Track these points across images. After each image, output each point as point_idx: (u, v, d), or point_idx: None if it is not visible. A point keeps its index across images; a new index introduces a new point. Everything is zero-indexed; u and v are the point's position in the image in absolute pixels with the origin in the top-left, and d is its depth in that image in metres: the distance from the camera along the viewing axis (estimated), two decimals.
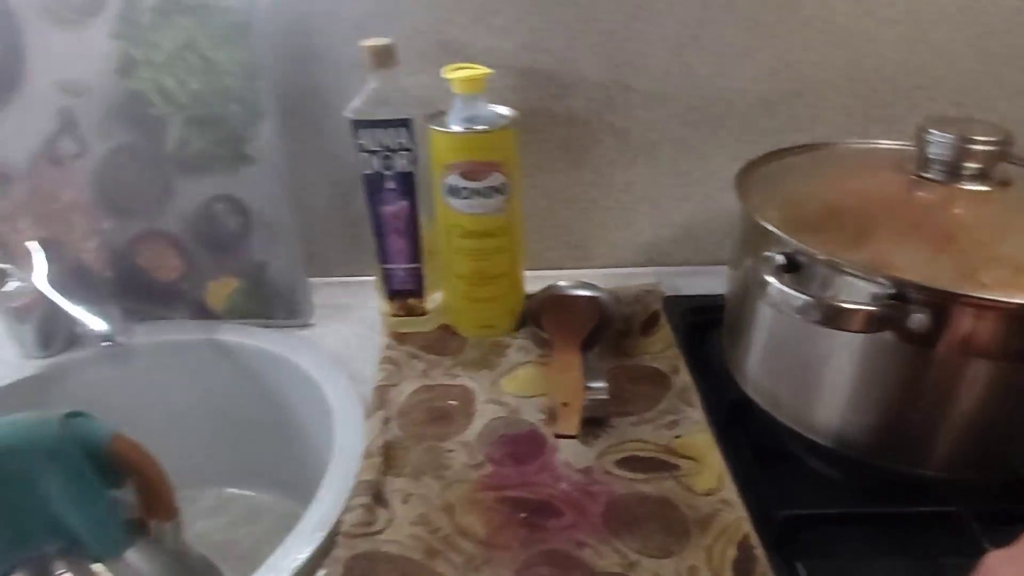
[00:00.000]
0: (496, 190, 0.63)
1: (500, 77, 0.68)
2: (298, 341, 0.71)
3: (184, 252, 0.71)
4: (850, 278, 0.43)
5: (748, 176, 0.56)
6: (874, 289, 0.42)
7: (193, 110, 0.65)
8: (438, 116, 0.63)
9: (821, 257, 0.43)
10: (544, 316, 0.69)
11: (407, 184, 0.64)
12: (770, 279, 0.42)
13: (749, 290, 0.52)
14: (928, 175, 0.50)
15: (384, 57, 0.60)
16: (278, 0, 0.65)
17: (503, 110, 0.64)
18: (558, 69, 0.68)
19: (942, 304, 0.39)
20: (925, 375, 0.43)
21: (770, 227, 0.46)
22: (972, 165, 0.48)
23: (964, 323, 0.39)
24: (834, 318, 0.39)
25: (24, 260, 0.65)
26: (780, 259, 0.44)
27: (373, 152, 0.62)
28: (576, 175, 0.74)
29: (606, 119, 0.71)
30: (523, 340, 0.70)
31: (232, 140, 0.66)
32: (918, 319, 0.39)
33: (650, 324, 0.71)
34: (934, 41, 0.67)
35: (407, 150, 0.62)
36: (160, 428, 0.55)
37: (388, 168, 0.63)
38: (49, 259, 0.66)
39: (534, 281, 0.76)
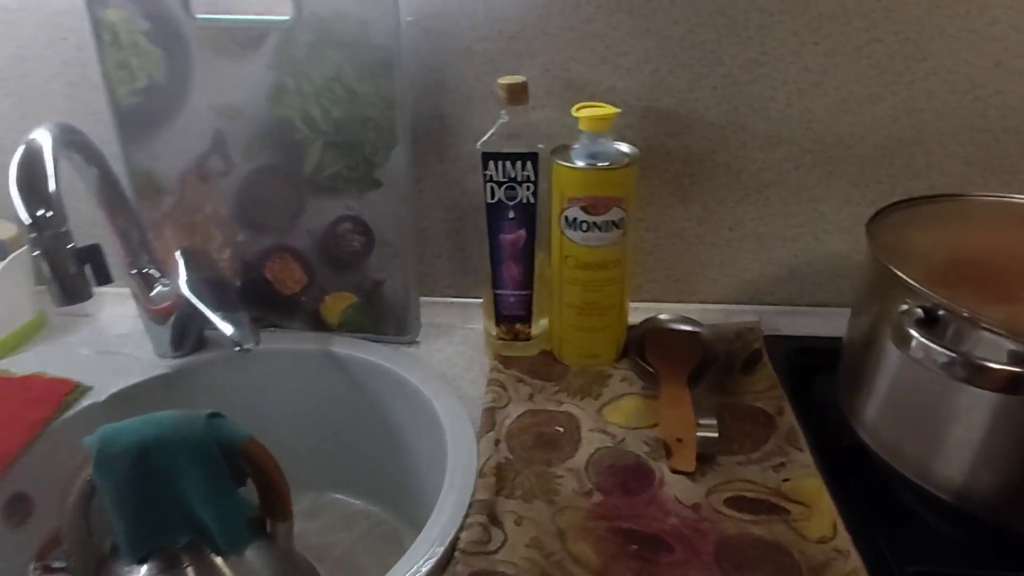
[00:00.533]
0: (614, 224, 0.65)
1: (622, 115, 0.70)
2: (407, 357, 0.74)
3: (308, 267, 0.75)
4: (989, 335, 0.43)
5: (878, 224, 0.56)
6: (1014, 348, 0.42)
7: (332, 137, 0.69)
8: (562, 150, 0.65)
9: (964, 314, 0.43)
10: (648, 349, 0.71)
11: (528, 215, 0.67)
12: (914, 333, 0.43)
13: (877, 337, 0.53)
14: None
15: (518, 94, 0.63)
16: (419, 37, 0.69)
17: (625, 147, 0.66)
18: (678, 109, 0.70)
19: None
20: None
21: (908, 279, 0.46)
22: None
23: None
24: (977, 376, 0.40)
25: (169, 267, 0.70)
26: (919, 312, 0.45)
27: (499, 183, 0.65)
28: (684, 210, 0.75)
29: (720, 158, 0.72)
30: (625, 371, 0.71)
31: (364, 165, 0.70)
32: None
33: (752, 362, 0.72)
34: None
35: (531, 182, 0.65)
36: (272, 430, 0.58)
37: (511, 199, 0.66)
38: (189, 267, 0.72)
39: (634, 313, 0.78)
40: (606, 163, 0.63)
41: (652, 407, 0.65)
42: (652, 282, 0.80)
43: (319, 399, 0.77)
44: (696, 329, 0.74)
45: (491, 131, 0.64)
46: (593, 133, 0.63)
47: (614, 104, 0.66)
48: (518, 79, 0.63)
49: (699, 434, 0.59)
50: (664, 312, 0.77)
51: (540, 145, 0.64)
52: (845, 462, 0.57)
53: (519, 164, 0.64)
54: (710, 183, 0.73)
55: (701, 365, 0.69)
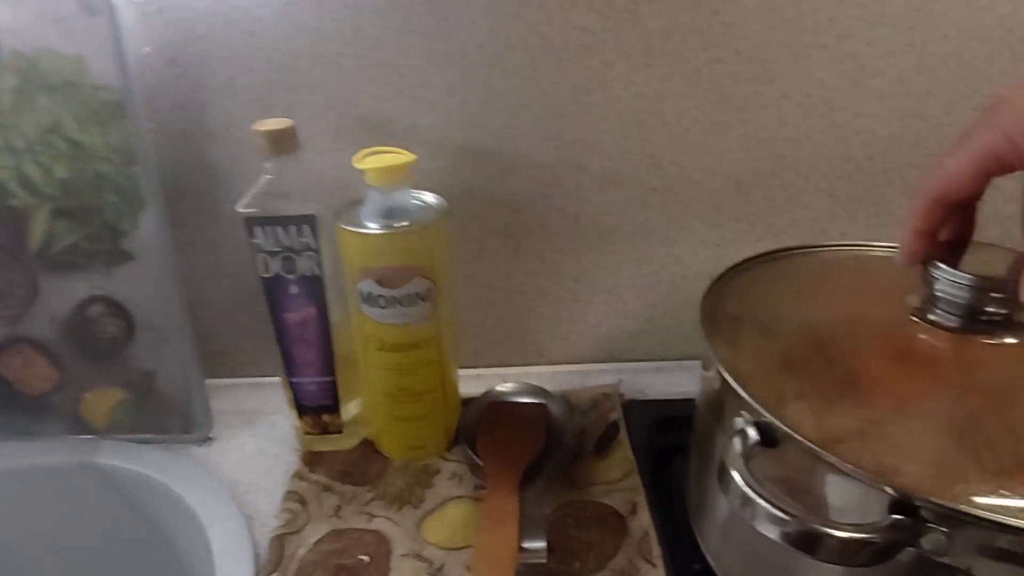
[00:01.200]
0: (419, 297, 0.52)
1: (429, 157, 0.58)
2: (189, 463, 0.59)
3: (57, 361, 0.60)
4: (843, 480, 0.33)
5: (715, 298, 0.46)
6: (875, 501, 0.31)
7: (61, 201, 0.54)
8: (350, 210, 0.53)
9: (808, 444, 0.33)
10: (480, 436, 0.59)
11: (314, 289, 0.54)
12: (734, 473, 0.32)
13: (713, 453, 0.42)
14: (935, 318, 0.40)
15: (281, 142, 0.50)
16: (164, 71, 0.55)
17: (430, 199, 0.54)
18: (498, 147, 0.58)
19: (966, 523, 0.29)
20: None
21: (742, 392, 0.35)
22: (992, 310, 0.38)
23: (996, 547, 0.30)
24: (819, 548, 0.29)
25: None
26: (752, 433, 0.34)
27: (272, 253, 0.52)
28: (520, 263, 0.64)
29: (554, 202, 0.61)
30: (456, 464, 0.59)
31: (108, 234, 0.55)
32: (934, 540, 0.29)
33: (606, 440, 0.61)
34: (929, 115, 0.58)
35: (312, 251, 0.52)
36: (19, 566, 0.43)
37: (290, 271, 0.53)
38: None
39: (474, 381, 0.66)
40: (403, 223, 0.51)
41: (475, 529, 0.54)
42: (493, 344, 0.68)
43: (83, 522, 0.62)
44: (541, 401, 0.63)
45: (253, 190, 0.51)
46: (383, 188, 0.51)
47: (418, 145, 0.54)
48: (279, 124, 0.50)
49: (523, 562, 0.47)
50: (509, 380, 0.66)
51: (319, 205, 0.51)
52: None
53: (293, 229, 0.51)
54: (546, 231, 0.62)
55: (546, 448, 0.58)
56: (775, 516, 0.30)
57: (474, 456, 0.57)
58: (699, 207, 0.62)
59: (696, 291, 0.65)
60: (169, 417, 0.62)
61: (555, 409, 0.63)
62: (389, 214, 0.51)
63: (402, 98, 0.56)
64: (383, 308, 0.52)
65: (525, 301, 0.66)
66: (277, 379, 0.67)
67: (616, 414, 0.63)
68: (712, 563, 0.45)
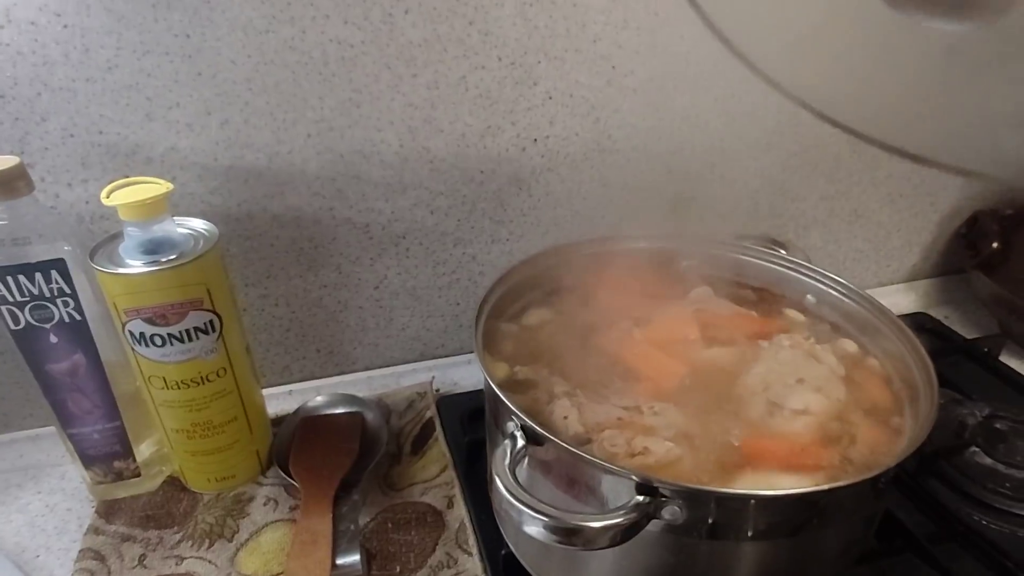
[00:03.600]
0: (200, 331, 0.51)
1: (195, 180, 0.55)
2: None
3: None
4: (595, 470, 0.36)
5: (489, 304, 0.48)
6: (625, 485, 0.35)
7: None
8: (110, 245, 0.49)
9: (559, 443, 0.36)
10: (293, 456, 0.58)
11: (77, 334, 0.50)
12: (498, 480, 0.34)
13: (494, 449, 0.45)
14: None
15: (10, 183, 0.45)
16: None
17: (199, 225, 0.51)
18: (270, 165, 0.57)
19: (697, 498, 0.34)
20: (687, 561, 0.37)
21: (504, 398, 0.38)
22: None
23: (726, 513, 0.34)
24: (576, 539, 0.33)
25: None
26: (520, 437, 0.37)
27: (20, 304, 0.48)
28: (316, 277, 0.63)
29: (340, 214, 0.61)
30: (271, 487, 0.58)
31: None
32: (672, 511, 0.34)
33: (422, 439, 0.63)
34: (679, 107, 0.64)
35: (67, 295, 0.48)
36: None
37: (45, 320, 0.49)
38: None
39: (288, 399, 0.65)
40: (170, 257, 0.48)
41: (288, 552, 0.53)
42: (302, 359, 0.67)
43: None
44: (354, 410, 0.64)
45: None
46: (141, 221, 0.48)
47: (181, 169, 0.52)
48: (4, 163, 0.45)
49: None
50: (324, 392, 0.65)
51: (64, 247, 0.47)
52: (505, 568, 0.50)
53: (39, 277, 0.47)
54: (336, 243, 0.62)
55: (362, 457, 0.59)
56: (534, 518, 0.33)
57: (287, 477, 0.57)
58: (485, 206, 0.64)
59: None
60: None
61: (370, 415, 0.63)
62: (152, 248, 0.49)
63: (153, 121, 0.53)
64: (160, 347, 0.50)
65: (327, 314, 0.65)
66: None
67: (430, 411, 0.65)
68: (512, 549, 0.48)
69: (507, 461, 0.36)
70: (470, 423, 0.64)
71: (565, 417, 0.39)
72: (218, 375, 0.53)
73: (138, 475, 0.57)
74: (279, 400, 0.66)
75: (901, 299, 0.83)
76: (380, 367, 0.70)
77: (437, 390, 0.68)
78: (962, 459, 0.54)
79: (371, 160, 0.59)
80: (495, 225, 0.65)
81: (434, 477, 0.59)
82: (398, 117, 0.58)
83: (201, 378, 0.52)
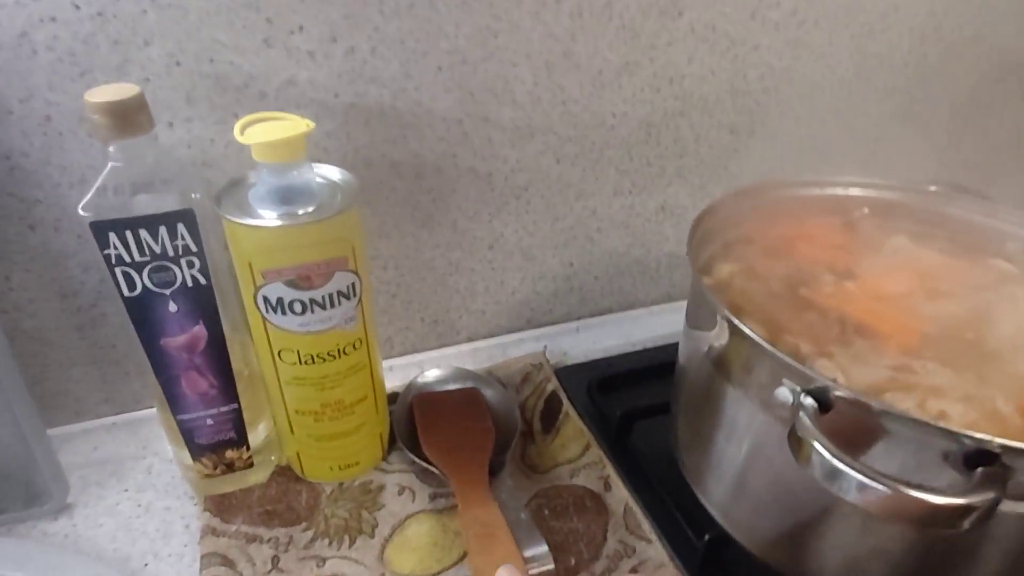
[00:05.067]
0: (343, 295, 0.43)
1: (315, 120, 0.47)
2: (46, 550, 0.46)
3: None
4: (911, 433, 0.31)
5: (699, 250, 0.42)
6: (954, 447, 0.30)
7: None
8: (234, 194, 0.41)
9: (879, 407, 0.30)
10: (425, 439, 0.52)
11: (201, 301, 0.42)
12: (818, 446, 0.29)
13: (736, 413, 0.39)
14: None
15: (127, 116, 0.37)
16: None
17: (334, 174, 0.44)
18: (395, 104, 0.49)
19: None
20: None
21: (791, 361, 0.32)
22: None
23: None
24: (935, 520, 0.28)
25: None
26: (810, 402, 0.31)
27: (137, 266, 0.39)
28: (430, 236, 0.56)
29: (463, 162, 0.54)
30: (400, 474, 0.52)
31: None
32: (1019, 484, 0.29)
33: (551, 415, 0.57)
34: (814, 44, 0.59)
35: (193, 255, 0.40)
36: None
37: (166, 284, 0.41)
38: None
39: (389, 375, 0.59)
40: (310, 209, 0.41)
41: (452, 527, 0.47)
42: (405, 330, 0.60)
43: None
44: (473, 386, 0.57)
45: (98, 183, 0.38)
46: (279, 164, 0.40)
47: (297, 107, 0.44)
48: (123, 92, 0.37)
49: (533, 573, 0.42)
50: (429, 366, 0.58)
51: (192, 192, 0.39)
52: (708, 552, 0.45)
53: (163, 232, 0.39)
54: (456, 196, 0.55)
55: (498, 442, 0.52)
56: (870, 487, 0.28)
57: (422, 462, 0.50)
58: (612, 154, 0.58)
59: (612, 241, 0.63)
60: (7, 494, 0.47)
61: (490, 391, 0.57)
62: (288, 198, 0.41)
63: (272, 48, 0.44)
64: (300, 315, 0.43)
65: (437, 277, 0.58)
66: (136, 414, 0.54)
67: (552, 384, 0.59)
68: (726, 526, 0.43)
69: (813, 423, 0.30)
70: (600, 394, 0.58)
71: (833, 380, 0.34)
72: (354, 347, 0.46)
73: (251, 465, 0.50)
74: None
75: None
76: (485, 337, 0.64)
77: (548, 361, 0.62)
78: None
79: (502, 99, 0.52)
80: (619, 175, 0.59)
81: (578, 456, 0.53)
82: (536, 49, 0.51)
83: (339, 351, 0.45)
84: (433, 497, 0.50)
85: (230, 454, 0.48)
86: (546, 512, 0.49)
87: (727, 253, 0.47)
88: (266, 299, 0.42)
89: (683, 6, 0.53)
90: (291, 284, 0.41)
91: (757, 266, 0.45)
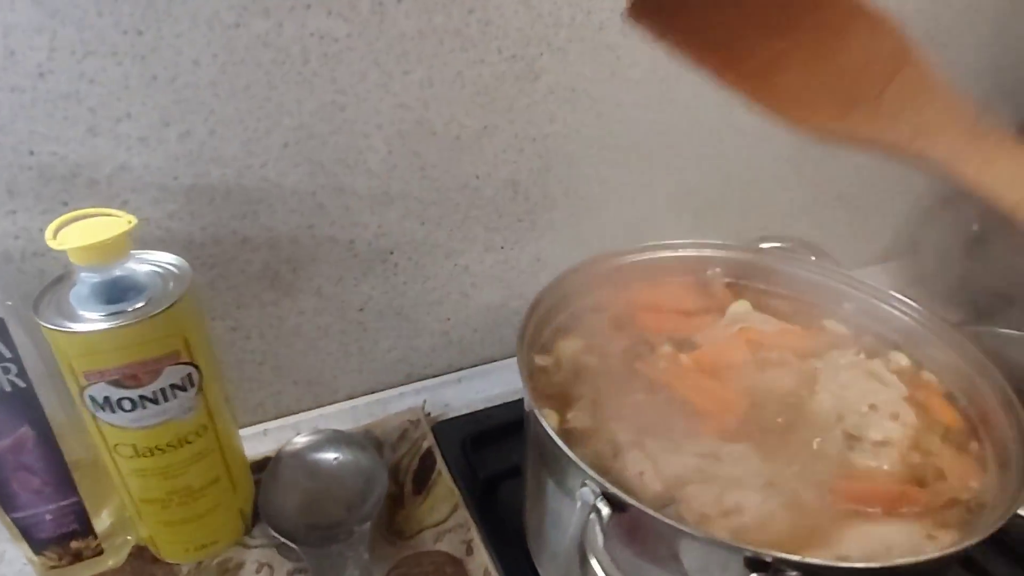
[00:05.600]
0: (177, 388, 0.42)
1: (151, 204, 0.46)
2: None
3: None
4: (697, 544, 0.32)
5: (527, 336, 0.43)
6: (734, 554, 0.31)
7: None
8: (54, 296, 0.40)
9: (665, 521, 0.31)
10: (284, 509, 0.51)
11: (22, 404, 0.41)
12: (595, 564, 0.30)
13: (558, 513, 0.40)
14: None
15: None
16: None
17: (165, 260, 0.43)
18: (240, 181, 0.48)
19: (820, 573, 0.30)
20: None
21: (587, 469, 0.33)
22: None
23: None
24: None
25: None
26: (604, 509, 0.32)
27: None
28: (293, 304, 0.55)
29: (321, 232, 0.53)
30: (260, 549, 0.51)
31: None
32: None
33: (424, 474, 0.57)
34: (679, 98, 0.60)
35: (9, 361, 0.39)
36: None
37: None
38: None
39: (261, 440, 0.58)
40: (138, 305, 0.40)
41: None
42: (278, 394, 0.60)
43: None
44: (344, 448, 0.57)
45: None
46: (101, 266, 0.39)
47: (134, 192, 0.43)
48: None
49: None
50: (306, 427, 0.58)
51: (8, 302, 0.38)
52: None
53: None
54: (317, 264, 0.54)
55: (361, 503, 0.52)
56: None
57: (280, 536, 0.50)
58: (478, 214, 0.58)
59: (488, 296, 0.63)
60: None
61: (362, 453, 0.57)
62: (114, 295, 0.40)
63: (98, 137, 0.43)
64: (130, 412, 0.42)
65: (305, 343, 0.58)
66: None
67: (427, 441, 0.59)
68: None
69: (601, 541, 0.31)
70: (474, 451, 0.58)
71: (641, 473, 0.34)
72: (198, 434, 0.45)
73: (100, 552, 0.49)
74: (253, 442, 0.58)
75: (876, 281, 0.83)
76: (364, 394, 0.63)
77: (428, 414, 0.62)
78: None
79: (356, 170, 0.51)
80: (489, 233, 0.60)
81: (445, 519, 0.54)
82: (387, 120, 0.50)
83: (179, 441, 0.44)
84: (291, 573, 0.50)
85: (76, 544, 0.47)
86: None
87: (574, 325, 0.47)
88: (92, 398, 0.41)
89: (539, 70, 0.53)
90: (116, 384, 0.40)
91: (601, 338, 0.46)
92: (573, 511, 0.36)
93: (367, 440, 0.58)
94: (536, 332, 0.44)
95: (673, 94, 0.59)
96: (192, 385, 0.43)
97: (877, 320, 0.48)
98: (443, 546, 0.52)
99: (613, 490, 0.32)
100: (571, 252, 0.63)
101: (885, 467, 0.37)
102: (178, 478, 0.46)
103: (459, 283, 0.61)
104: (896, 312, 0.47)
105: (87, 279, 0.40)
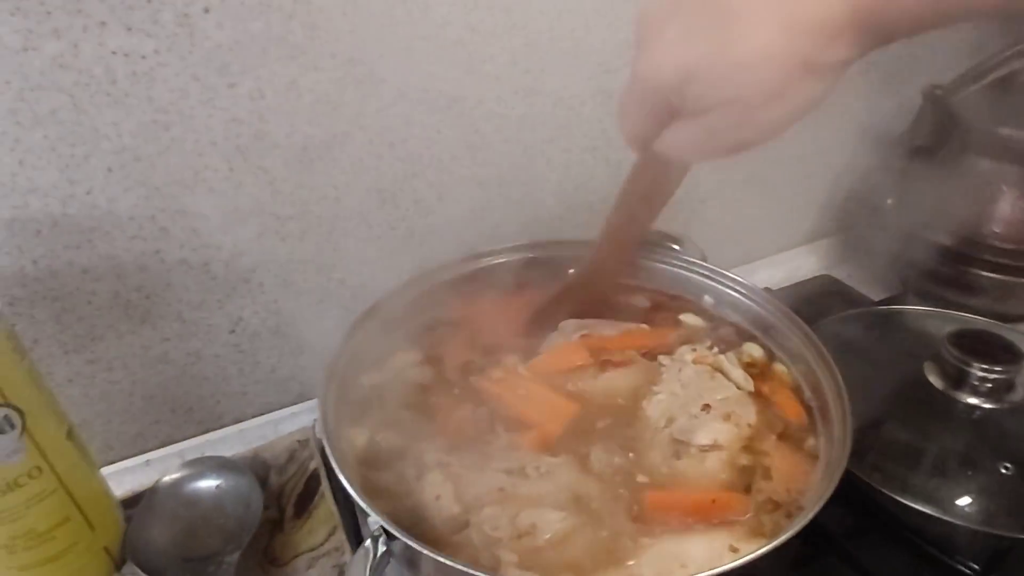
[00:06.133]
0: None
1: None
2: None
3: None
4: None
5: (343, 360, 0.41)
6: None
7: None
8: None
9: (429, 554, 0.29)
10: (149, 545, 0.50)
11: None
12: None
13: None
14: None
15: None
16: None
17: None
18: (65, 211, 0.46)
19: None
20: None
21: (365, 507, 0.31)
22: None
23: None
24: None
25: None
26: (381, 541, 0.30)
27: None
28: (154, 331, 0.54)
29: (170, 256, 0.51)
30: None
31: None
32: None
33: (307, 497, 0.55)
34: (548, 90, 0.58)
35: None
36: None
37: None
38: None
39: (144, 471, 0.56)
40: None
41: None
42: (155, 424, 0.58)
43: None
44: (222, 476, 0.55)
45: None
46: None
47: None
48: None
49: None
50: (192, 453, 0.57)
51: None
52: None
53: None
54: (173, 289, 0.53)
55: (238, 532, 0.51)
56: None
57: (145, 575, 0.48)
58: (347, 226, 0.56)
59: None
60: None
61: (241, 479, 0.55)
62: None
63: None
64: None
65: (176, 369, 0.56)
66: None
67: (315, 462, 0.57)
68: None
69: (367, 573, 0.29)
70: (360, 465, 0.56)
71: (437, 497, 0.32)
72: (31, 476, 0.43)
73: None
74: (135, 474, 0.57)
75: (803, 261, 0.80)
76: (254, 416, 0.62)
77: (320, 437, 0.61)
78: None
79: (196, 190, 0.50)
80: (362, 244, 0.57)
81: (322, 543, 0.52)
82: (220, 136, 0.48)
83: (7, 485, 0.43)
84: None
85: None
86: None
87: (413, 339, 0.45)
88: None
89: (383, 73, 0.51)
90: None
91: (443, 352, 0.44)
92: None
93: (254, 464, 0.56)
94: (367, 347, 0.42)
95: (541, 86, 0.57)
96: (12, 427, 0.42)
97: (737, 311, 0.45)
98: (315, 572, 0.50)
99: (391, 529, 0.30)
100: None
101: (707, 473, 0.34)
102: (17, 522, 0.44)
103: (338, 296, 0.59)
104: (753, 304, 0.44)
105: None
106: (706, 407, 0.37)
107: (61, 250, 0.48)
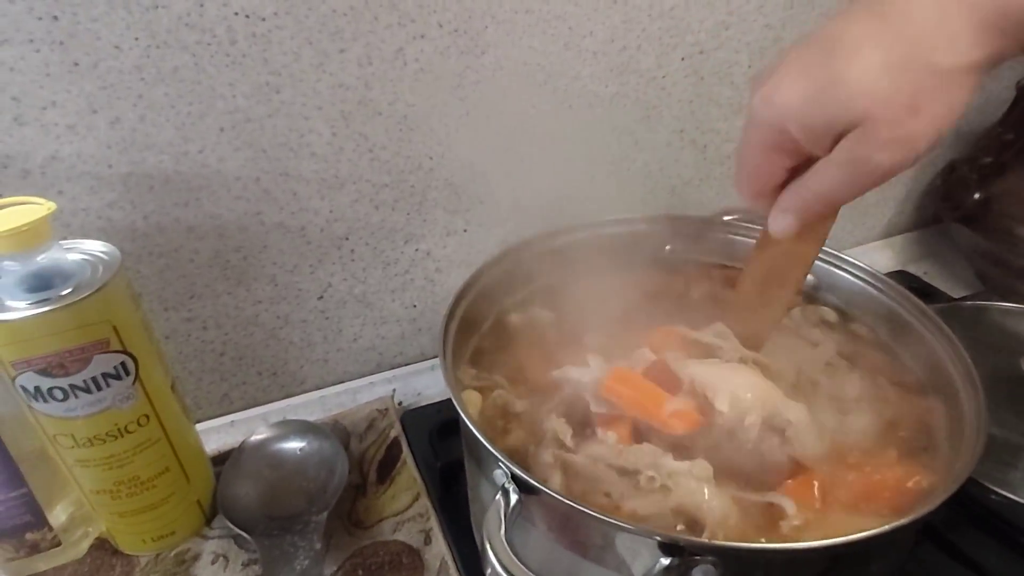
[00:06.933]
0: (111, 376, 0.42)
1: (88, 194, 0.46)
2: None
3: None
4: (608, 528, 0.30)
5: (456, 318, 0.41)
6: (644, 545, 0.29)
7: None
8: None
9: (578, 507, 0.29)
10: (242, 501, 0.51)
11: None
12: (493, 552, 0.28)
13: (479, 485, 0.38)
14: None
15: None
16: None
17: (95, 249, 0.42)
18: (178, 168, 0.48)
19: (738, 556, 0.28)
20: None
21: (494, 451, 0.31)
22: None
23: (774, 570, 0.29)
24: None
25: None
26: (512, 491, 0.30)
27: None
28: (248, 293, 0.55)
29: (269, 218, 0.52)
30: (219, 540, 0.51)
31: None
32: (705, 570, 0.28)
33: (389, 464, 0.56)
34: (642, 69, 0.58)
35: None
36: None
37: None
38: None
39: (228, 432, 0.58)
40: (64, 292, 0.40)
41: None
42: (241, 385, 0.59)
43: None
44: (308, 439, 0.56)
45: None
46: (22, 253, 0.39)
47: (69, 181, 0.43)
48: None
49: None
50: (275, 417, 0.58)
51: None
52: None
53: None
54: (269, 252, 0.54)
55: (322, 494, 0.51)
56: None
57: (236, 527, 0.49)
58: (437, 196, 0.57)
59: (454, 279, 0.61)
60: None
61: (325, 443, 0.56)
62: (40, 283, 0.40)
63: (24, 126, 0.43)
64: (63, 401, 0.41)
65: (265, 332, 0.57)
66: None
67: (395, 430, 0.58)
68: None
69: (502, 529, 0.29)
70: (441, 440, 0.57)
71: (554, 463, 0.33)
72: (139, 424, 0.45)
73: (58, 544, 0.49)
74: (220, 434, 0.58)
75: (878, 256, 0.79)
76: (333, 384, 0.63)
77: (399, 404, 0.61)
78: None
79: (300, 153, 0.50)
80: (450, 216, 0.58)
81: (406, 508, 0.53)
82: (327, 101, 0.49)
83: (119, 430, 0.44)
84: (246, 564, 0.49)
85: (31, 536, 0.47)
86: (360, 573, 0.48)
87: (519, 304, 0.45)
88: (24, 388, 0.41)
89: (485, 44, 0.51)
90: (44, 372, 0.40)
91: (548, 319, 0.44)
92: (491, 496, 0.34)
93: (334, 430, 0.57)
94: (474, 311, 0.43)
95: (635, 65, 0.57)
96: (127, 374, 0.43)
97: (837, 293, 0.45)
98: (401, 535, 0.51)
99: (522, 474, 0.30)
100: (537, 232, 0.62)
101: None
102: (123, 468, 0.45)
103: (423, 268, 0.60)
104: (859, 284, 0.44)
105: (10, 268, 0.39)
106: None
107: (170, 207, 0.49)
